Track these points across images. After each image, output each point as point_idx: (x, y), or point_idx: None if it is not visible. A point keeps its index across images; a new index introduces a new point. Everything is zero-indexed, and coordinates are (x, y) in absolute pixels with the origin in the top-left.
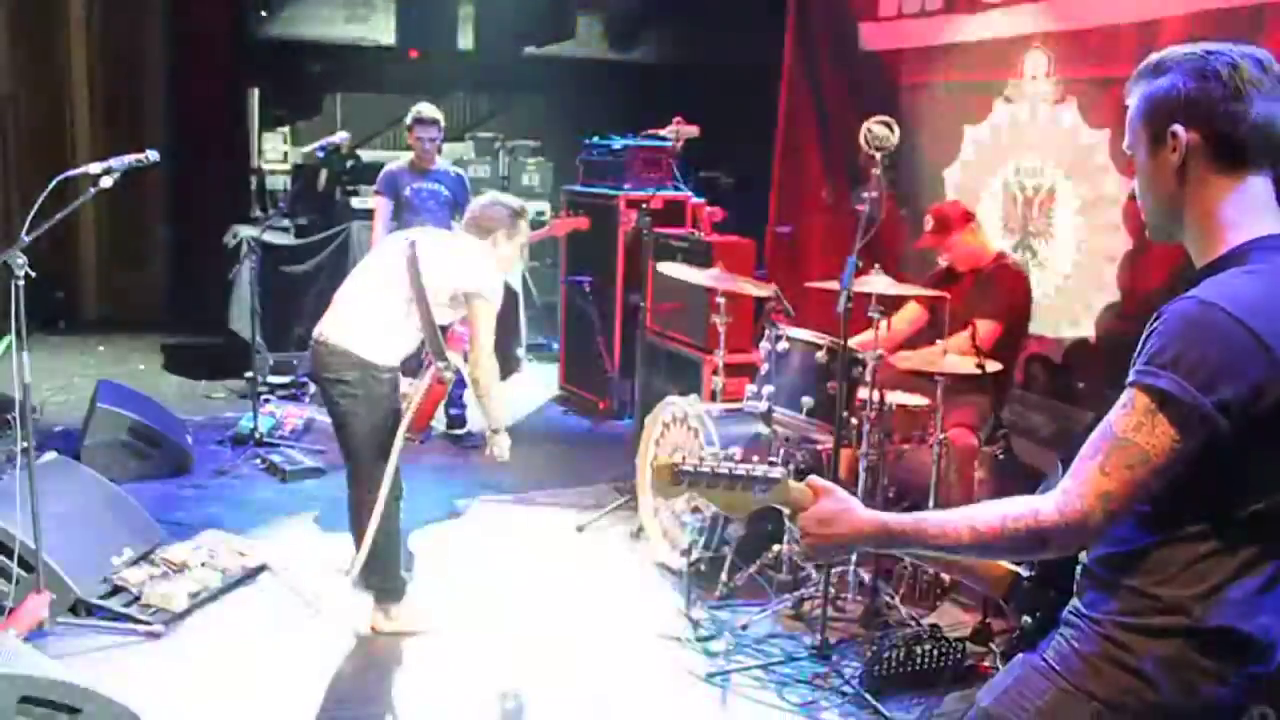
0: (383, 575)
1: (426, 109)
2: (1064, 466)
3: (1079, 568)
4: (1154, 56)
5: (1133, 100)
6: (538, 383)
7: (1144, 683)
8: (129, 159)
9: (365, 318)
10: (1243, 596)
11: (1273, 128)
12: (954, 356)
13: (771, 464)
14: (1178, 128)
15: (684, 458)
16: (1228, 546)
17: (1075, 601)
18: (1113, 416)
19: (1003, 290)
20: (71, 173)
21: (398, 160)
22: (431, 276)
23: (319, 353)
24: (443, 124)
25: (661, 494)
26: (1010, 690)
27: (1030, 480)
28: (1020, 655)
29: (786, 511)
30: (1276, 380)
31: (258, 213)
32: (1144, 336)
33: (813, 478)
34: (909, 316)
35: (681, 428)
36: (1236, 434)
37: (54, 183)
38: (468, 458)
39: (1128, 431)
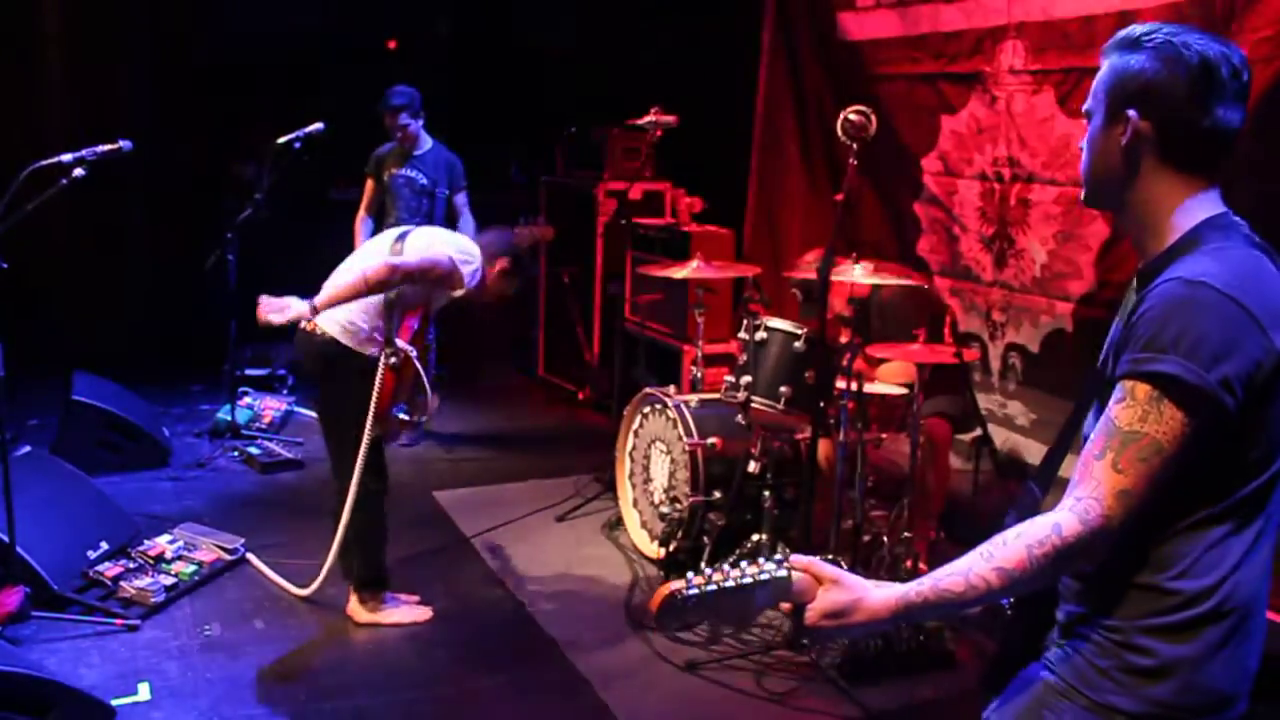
0: (366, 565)
1: (388, 97)
2: (1038, 488)
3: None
4: (1137, 29)
5: (1104, 66)
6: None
7: (1171, 688)
8: (101, 149)
9: (349, 306)
10: (1256, 573)
11: (1226, 136)
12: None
13: (776, 561)
14: (1132, 113)
15: (685, 582)
16: (1238, 526)
17: (1080, 609)
18: (1114, 413)
19: (906, 307)
20: (43, 163)
21: (390, 143)
22: (409, 254)
23: (305, 340)
24: (409, 103)
25: (669, 626)
26: (1026, 711)
27: (1007, 468)
28: (1030, 671)
29: (787, 606)
30: (1271, 352)
31: (233, 203)
32: (1127, 326)
33: (815, 563)
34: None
35: (660, 417)
36: (1240, 410)
37: (24, 173)
38: (449, 450)
39: (1134, 424)
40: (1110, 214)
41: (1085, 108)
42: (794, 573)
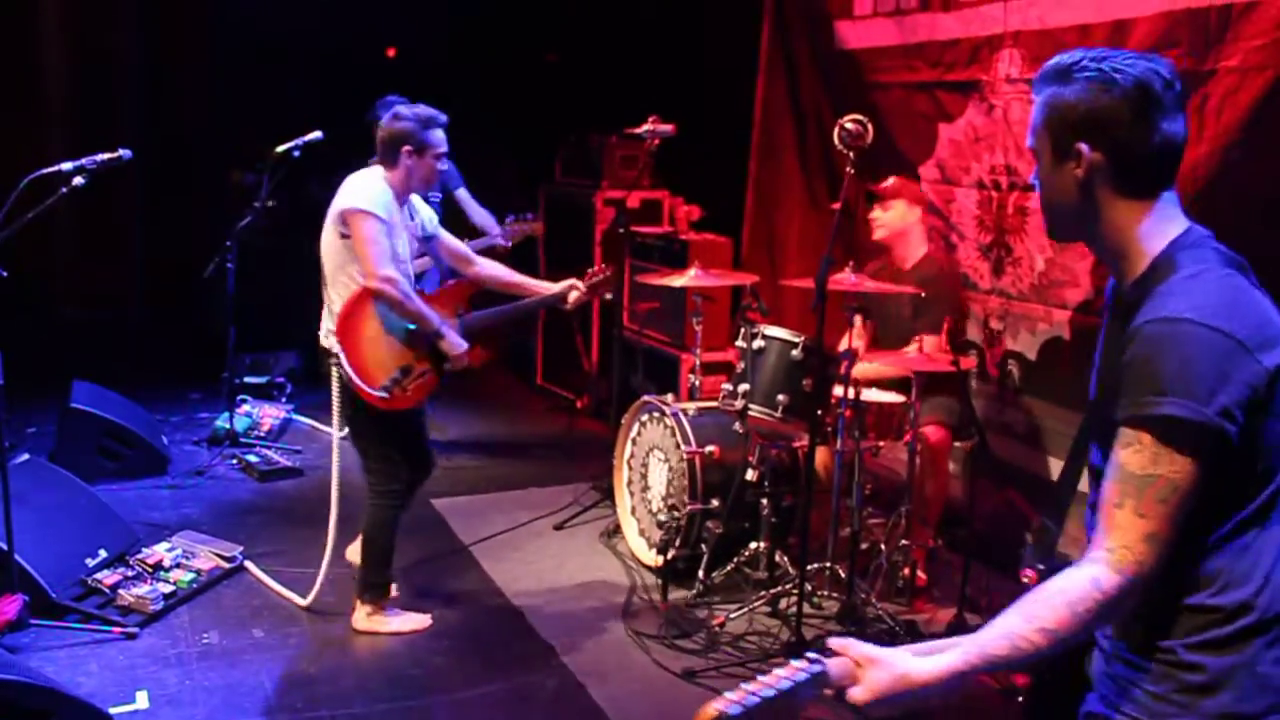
0: (367, 569)
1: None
2: (1054, 524)
3: None
4: (1063, 59)
5: (1038, 100)
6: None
7: (1229, 697)
8: (102, 158)
9: (327, 315)
10: None
11: (1175, 148)
12: (928, 346)
13: (810, 659)
14: (1083, 146)
15: (725, 700)
16: (1260, 532)
17: (1124, 637)
18: (1122, 459)
19: (945, 298)
20: (43, 171)
21: None
22: (326, 242)
23: (319, 355)
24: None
25: None
26: None
27: (1005, 476)
28: (1087, 705)
29: (830, 693)
30: (1261, 372)
31: (233, 211)
32: (1121, 366)
33: (850, 647)
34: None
35: (658, 425)
36: (1243, 433)
37: (24, 182)
38: (447, 458)
39: (1147, 468)
40: (1072, 243)
41: (1030, 145)
42: (832, 661)
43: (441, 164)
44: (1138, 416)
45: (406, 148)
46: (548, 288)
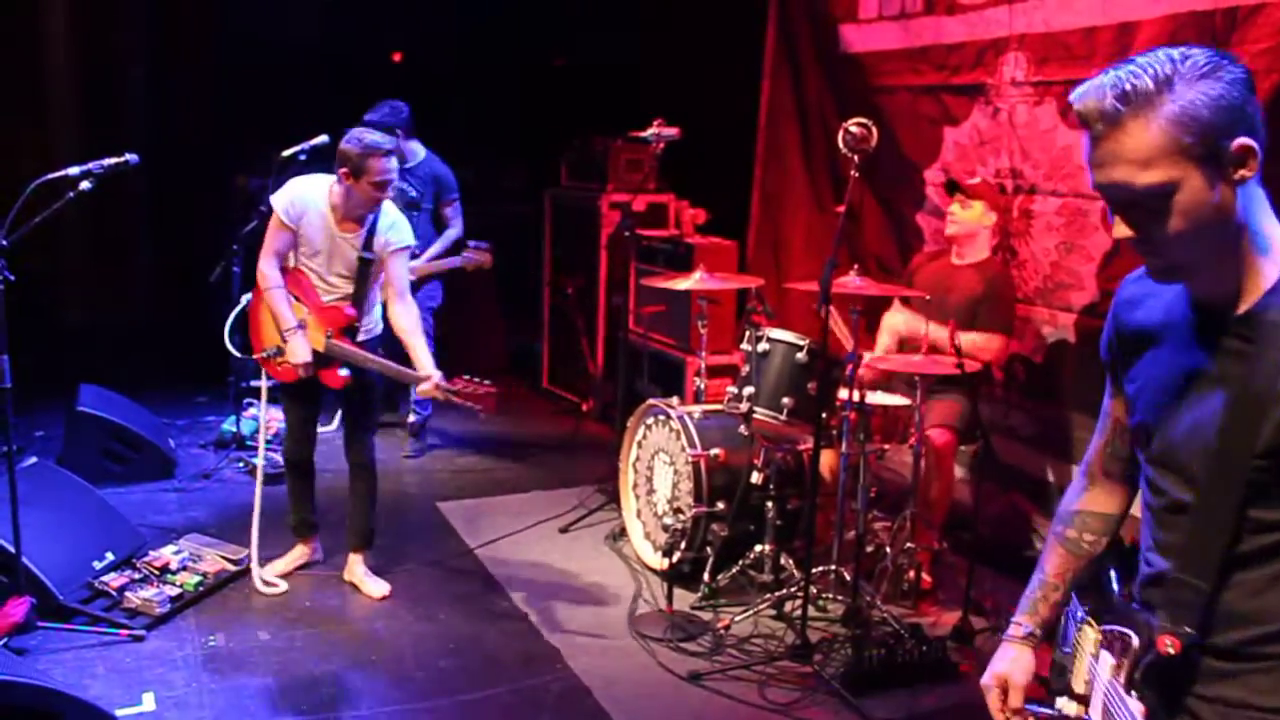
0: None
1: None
2: (1200, 579)
3: (1205, 654)
4: (1153, 68)
5: (1151, 124)
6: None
7: None
8: (108, 162)
9: None
10: None
11: None
12: (936, 336)
13: None
14: (1251, 142)
15: None
16: None
17: (1237, 693)
18: None
19: (1008, 303)
20: (50, 176)
21: None
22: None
23: None
24: (392, 122)
25: None
26: None
27: (1010, 480)
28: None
29: None
30: None
31: (239, 215)
32: None
33: None
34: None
35: (663, 429)
36: None
37: (31, 186)
38: (452, 461)
39: None
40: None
41: (1158, 182)
42: None
43: (384, 192)
44: None
45: (343, 170)
46: (420, 365)
